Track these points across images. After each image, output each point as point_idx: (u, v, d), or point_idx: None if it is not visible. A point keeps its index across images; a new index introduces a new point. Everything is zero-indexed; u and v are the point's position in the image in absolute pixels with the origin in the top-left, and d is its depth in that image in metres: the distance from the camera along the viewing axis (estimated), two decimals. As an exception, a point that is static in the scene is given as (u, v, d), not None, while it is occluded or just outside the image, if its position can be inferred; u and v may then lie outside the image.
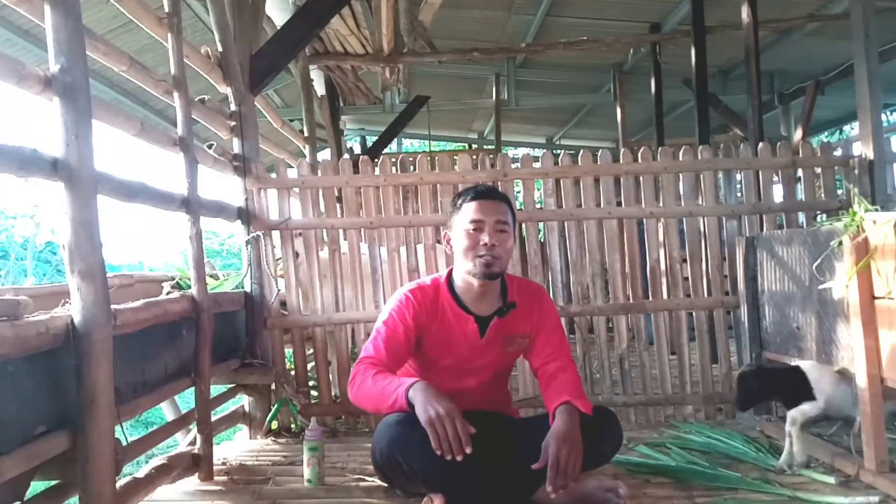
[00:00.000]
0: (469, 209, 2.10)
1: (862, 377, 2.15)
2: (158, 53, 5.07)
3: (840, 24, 5.65)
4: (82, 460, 1.64)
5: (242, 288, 3.11)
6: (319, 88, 7.08)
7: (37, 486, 1.69)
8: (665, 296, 3.14)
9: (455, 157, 3.38)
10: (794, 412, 2.25)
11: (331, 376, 3.18)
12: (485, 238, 2.06)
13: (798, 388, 2.28)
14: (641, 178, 3.16)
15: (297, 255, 3.13)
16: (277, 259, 3.15)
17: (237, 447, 2.88)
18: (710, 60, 5.73)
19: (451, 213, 2.20)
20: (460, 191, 2.27)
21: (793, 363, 2.41)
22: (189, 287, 2.47)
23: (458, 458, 1.76)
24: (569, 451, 1.85)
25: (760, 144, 3.25)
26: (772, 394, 2.44)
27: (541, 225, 3.30)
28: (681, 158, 3.13)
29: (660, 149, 3.20)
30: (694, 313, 3.17)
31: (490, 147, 11.08)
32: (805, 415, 2.25)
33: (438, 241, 3.16)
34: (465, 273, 2.13)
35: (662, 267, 3.15)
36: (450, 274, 2.21)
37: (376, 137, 8.56)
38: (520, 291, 2.22)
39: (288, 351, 3.24)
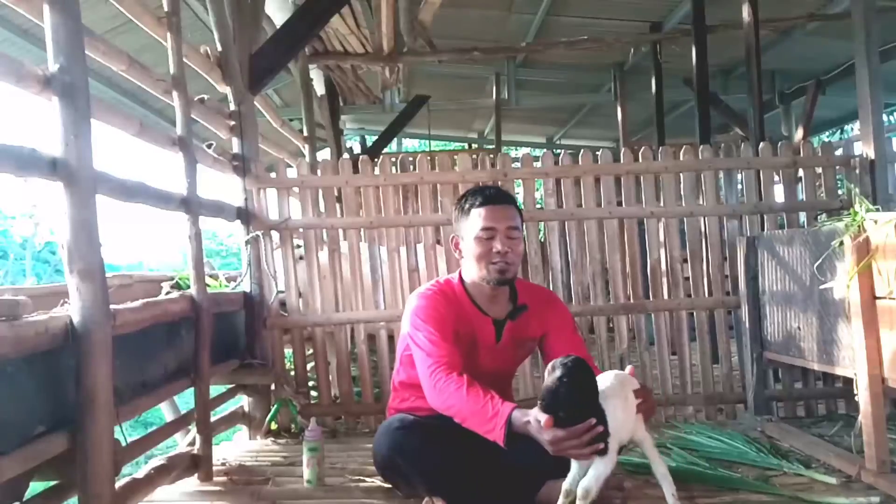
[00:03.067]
0: (479, 215, 2.05)
1: (863, 377, 2.14)
2: (158, 53, 5.03)
3: (841, 23, 5.63)
4: (81, 461, 1.63)
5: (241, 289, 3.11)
6: (319, 88, 7.06)
7: (36, 487, 1.69)
8: (666, 296, 3.14)
9: (455, 157, 3.38)
10: (587, 482, 1.64)
11: (330, 377, 3.17)
12: (497, 246, 2.02)
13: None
14: (642, 177, 3.15)
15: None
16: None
17: (237, 448, 2.88)
18: (710, 60, 5.71)
19: (457, 217, 2.14)
20: (466, 192, 2.19)
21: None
22: (188, 286, 2.46)
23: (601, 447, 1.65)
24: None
25: (761, 144, 3.25)
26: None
27: (541, 225, 3.30)
28: (682, 158, 3.13)
29: (660, 148, 3.19)
30: (695, 313, 3.17)
31: (490, 147, 11.07)
32: (601, 480, 1.64)
33: (439, 242, 3.15)
34: (477, 279, 2.09)
35: (663, 267, 3.14)
36: (460, 277, 2.16)
37: (376, 137, 8.55)
38: (530, 295, 2.19)
39: (287, 351, 3.23)
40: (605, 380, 1.76)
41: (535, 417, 1.68)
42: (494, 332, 2.12)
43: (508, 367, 2.26)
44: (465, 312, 2.11)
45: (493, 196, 2.09)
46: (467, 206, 2.10)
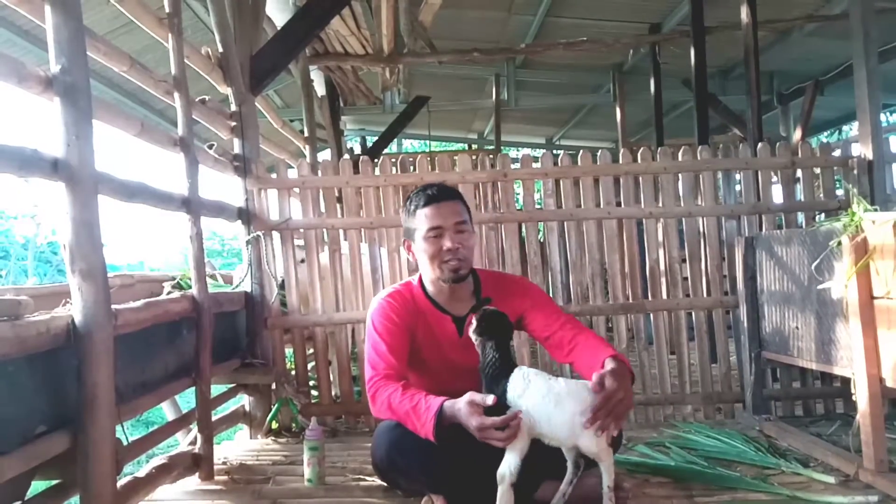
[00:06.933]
0: (424, 216, 2.05)
1: (861, 377, 2.15)
2: (159, 54, 5.06)
3: (839, 24, 5.65)
4: (83, 460, 1.64)
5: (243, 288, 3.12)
6: (319, 89, 7.07)
7: (37, 486, 1.70)
8: (664, 296, 3.15)
9: (455, 158, 3.39)
10: (501, 468, 1.71)
11: (331, 376, 3.18)
12: (447, 243, 2.02)
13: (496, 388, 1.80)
14: (641, 178, 3.16)
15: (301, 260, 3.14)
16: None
17: (238, 447, 2.89)
18: (709, 61, 5.72)
19: (405, 220, 2.14)
20: (410, 194, 2.18)
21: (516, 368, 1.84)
22: (189, 286, 2.47)
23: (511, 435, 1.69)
24: (624, 394, 1.73)
25: (760, 145, 3.25)
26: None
27: (540, 225, 3.31)
28: (680, 159, 3.13)
29: (659, 149, 3.20)
30: (693, 313, 3.17)
31: (490, 147, 11.08)
32: (513, 465, 1.71)
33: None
34: (433, 279, 2.10)
35: (662, 267, 3.15)
36: (420, 279, 2.18)
37: (376, 138, 8.55)
38: (495, 286, 2.17)
39: (288, 351, 3.24)
40: (560, 380, 1.80)
41: (465, 402, 1.75)
42: (456, 329, 2.12)
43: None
44: (423, 313, 2.12)
45: (436, 195, 2.08)
46: (412, 207, 2.10)
